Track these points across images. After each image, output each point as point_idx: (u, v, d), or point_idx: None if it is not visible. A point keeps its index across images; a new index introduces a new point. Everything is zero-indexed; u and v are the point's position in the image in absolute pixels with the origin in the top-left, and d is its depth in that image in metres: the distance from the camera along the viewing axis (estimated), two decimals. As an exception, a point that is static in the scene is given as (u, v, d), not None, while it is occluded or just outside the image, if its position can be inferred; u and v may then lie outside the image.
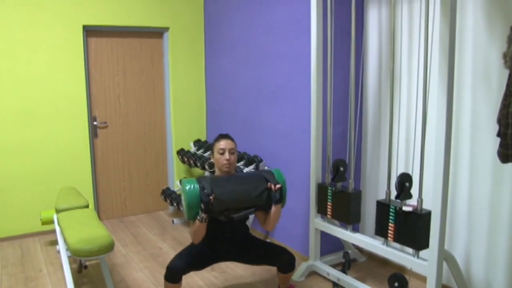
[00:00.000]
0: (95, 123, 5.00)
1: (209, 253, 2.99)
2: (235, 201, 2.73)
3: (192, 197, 2.66)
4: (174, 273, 2.80)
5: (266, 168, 4.18)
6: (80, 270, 3.72)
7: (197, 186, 2.68)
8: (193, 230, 2.74)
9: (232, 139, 2.95)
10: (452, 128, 2.56)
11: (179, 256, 2.88)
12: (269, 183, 2.79)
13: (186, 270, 2.85)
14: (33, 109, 4.53)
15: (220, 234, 2.95)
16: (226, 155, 2.86)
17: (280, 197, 2.79)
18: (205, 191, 2.65)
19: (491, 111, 2.86)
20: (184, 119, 5.40)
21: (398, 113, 3.52)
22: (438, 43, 3.06)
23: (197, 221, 2.70)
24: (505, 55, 2.45)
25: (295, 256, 3.06)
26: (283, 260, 2.97)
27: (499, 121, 2.40)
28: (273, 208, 2.82)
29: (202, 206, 2.64)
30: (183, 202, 2.75)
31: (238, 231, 3.04)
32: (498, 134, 2.41)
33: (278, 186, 2.77)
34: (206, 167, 4.47)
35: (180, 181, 2.63)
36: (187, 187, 2.67)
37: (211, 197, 2.64)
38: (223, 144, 2.89)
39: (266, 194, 2.79)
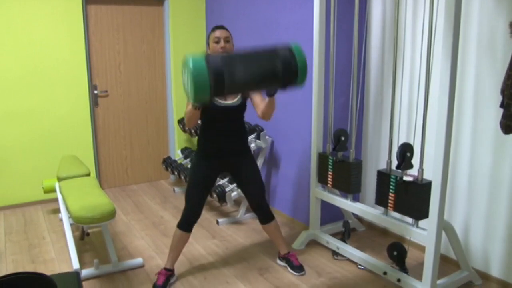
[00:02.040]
0: (95, 91, 4.97)
1: (211, 169, 3.00)
2: (249, 84, 2.27)
3: (199, 75, 2.10)
4: (192, 218, 2.99)
5: (267, 137, 4.17)
6: (82, 237, 3.76)
7: (204, 63, 2.13)
8: (188, 116, 2.72)
9: (226, 29, 2.90)
10: (455, 99, 2.54)
11: (188, 200, 2.98)
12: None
13: (200, 209, 3.00)
14: (32, 77, 4.50)
15: (217, 133, 2.94)
16: (222, 43, 2.83)
17: (288, 79, 2.34)
18: (218, 69, 2.13)
19: (495, 81, 2.83)
20: (185, 88, 5.36)
21: (401, 83, 3.49)
22: (443, 11, 3.01)
23: (191, 107, 2.66)
24: (511, 25, 2.41)
25: (274, 214, 3.25)
26: (259, 215, 3.18)
27: (503, 91, 2.38)
28: (268, 100, 2.74)
29: (212, 90, 2.14)
30: (188, 82, 2.19)
31: (235, 129, 2.99)
32: (502, 105, 2.39)
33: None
34: None
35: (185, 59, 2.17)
36: (192, 64, 2.11)
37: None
38: (218, 33, 2.85)
39: (281, 73, 2.28)
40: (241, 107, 2.94)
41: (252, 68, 2.24)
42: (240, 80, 2.20)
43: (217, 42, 2.84)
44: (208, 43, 2.92)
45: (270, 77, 2.29)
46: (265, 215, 3.18)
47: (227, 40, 2.85)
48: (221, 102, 2.85)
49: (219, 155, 2.99)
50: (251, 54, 2.30)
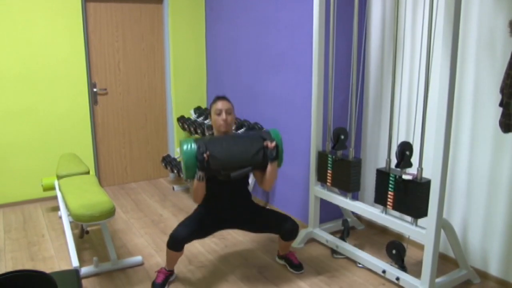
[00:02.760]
0: (94, 89, 4.97)
1: (211, 221, 3.02)
2: (230, 159, 2.76)
3: (188, 156, 2.69)
4: (177, 241, 2.83)
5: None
6: (81, 235, 3.77)
7: (194, 145, 2.71)
8: (193, 189, 2.79)
9: (228, 100, 2.97)
10: (454, 97, 2.54)
11: (182, 225, 2.90)
12: (265, 142, 2.81)
13: (189, 239, 2.88)
14: (32, 76, 4.50)
15: (221, 199, 2.99)
16: (223, 116, 2.90)
17: (276, 155, 2.81)
18: (201, 149, 2.68)
19: (495, 80, 2.84)
20: (185, 86, 5.36)
21: (400, 81, 3.49)
22: (443, 9, 3.01)
23: (195, 180, 2.75)
24: (511, 24, 2.41)
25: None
26: (286, 228, 2.99)
27: (502, 90, 2.38)
28: (269, 167, 2.83)
29: (198, 164, 2.69)
30: (181, 162, 2.78)
31: (240, 195, 3.07)
32: (501, 104, 2.40)
33: (273, 144, 2.79)
34: (206, 130, 4.49)
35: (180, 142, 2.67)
36: (184, 147, 2.71)
37: (205, 155, 2.67)
38: (220, 105, 2.92)
39: (263, 153, 2.81)
40: (244, 177, 3.02)
41: (234, 153, 2.76)
42: (222, 160, 2.73)
43: (219, 114, 2.91)
44: (210, 114, 2.99)
45: (250, 158, 2.79)
46: (291, 230, 3.03)
47: (228, 112, 2.92)
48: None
49: (222, 216, 3.05)
50: (234, 136, 2.85)
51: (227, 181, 2.86)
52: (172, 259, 2.98)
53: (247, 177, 3.09)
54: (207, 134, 4.48)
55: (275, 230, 3.03)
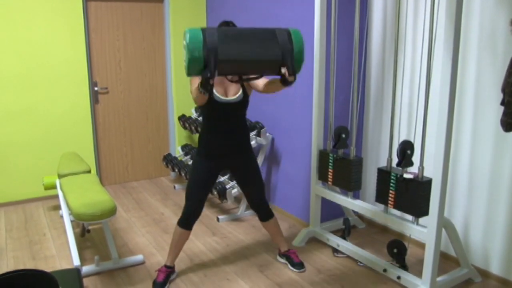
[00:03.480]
0: (96, 88, 4.97)
1: (211, 168, 2.97)
2: (240, 71, 2.37)
3: (193, 65, 2.22)
4: (190, 215, 2.97)
5: (268, 135, 4.17)
6: (83, 234, 3.77)
7: (201, 50, 2.20)
8: (194, 95, 2.63)
9: (234, 26, 2.79)
10: (455, 96, 2.54)
11: (189, 198, 2.97)
12: (283, 70, 2.33)
13: (200, 207, 2.99)
14: (33, 74, 4.50)
15: (219, 130, 2.90)
16: None
17: (291, 84, 2.41)
18: (206, 71, 2.22)
19: (496, 79, 2.83)
20: (186, 85, 5.36)
21: (402, 80, 3.48)
22: (444, 8, 3.01)
23: (196, 86, 2.51)
24: (512, 22, 2.40)
25: (273, 212, 3.27)
26: (258, 213, 3.20)
27: (504, 89, 2.38)
28: (278, 85, 2.61)
29: (202, 85, 2.30)
30: (184, 55, 2.27)
31: (236, 124, 2.94)
32: (502, 103, 2.39)
33: (291, 78, 2.35)
34: None
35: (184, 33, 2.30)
36: (190, 50, 2.19)
37: (210, 81, 2.25)
38: None
39: (277, 70, 2.36)
40: (243, 103, 2.89)
41: (248, 46, 2.27)
42: (234, 56, 2.23)
43: None
44: None
45: (266, 58, 2.30)
46: (265, 213, 3.18)
47: None
48: (222, 97, 2.82)
49: (220, 153, 2.96)
50: (249, 33, 2.31)
51: (223, 107, 2.81)
52: (178, 243, 3.04)
53: (246, 105, 2.92)
54: None
55: (252, 205, 3.18)
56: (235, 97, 2.85)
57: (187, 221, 3.00)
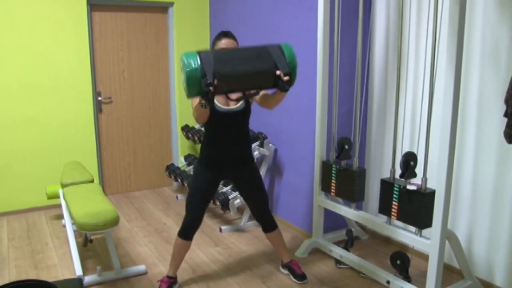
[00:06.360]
0: (99, 98, 4.99)
1: (212, 177, 2.96)
2: (238, 87, 2.47)
3: (192, 82, 2.33)
4: (190, 226, 2.97)
5: (270, 145, 4.17)
6: (85, 244, 3.76)
7: (198, 67, 2.31)
8: (195, 112, 2.61)
9: (234, 38, 2.77)
10: (458, 108, 2.54)
11: (189, 208, 2.96)
12: (278, 72, 2.42)
13: (202, 219, 2.99)
14: (37, 84, 4.53)
15: (220, 140, 2.88)
16: None
17: (288, 87, 2.46)
18: (206, 79, 2.30)
19: (499, 91, 2.83)
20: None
21: (405, 92, 3.49)
22: (447, 21, 3.02)
23: (198, 105, 2.51)
24: (515, 34, 2.41)
25: (276, 223, 3.24)
26: (261, 224, 3.19)
27: (507, 101, 2.38)
28: (278, 94, 2.66)
29: (203, 97, 2.37)
30: (183, 77, 2.39)
31: (239, 134, 2.92)
32: (505, 115, 2.39)
33: (286, 78, 2.42)
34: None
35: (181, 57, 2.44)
36: (187, 69, 2.31)
37: (211, 88, 2.30)
38: (224, 43, 2.73)
39: (274, 81, 2.47)
40: (245, 112, 2.88)
41: (243, 65, 2.39)
42: (231, 74, 2.36)
43: None
44: (212, 48, 2.83)
45: (261, 74, 2.43)
46: (268, 224, 3.18)
47: None
48: (223, 107, 2.81)
49: (222, 163, 2.95)
50: (242, 50, 2.47)
51: (225, 117, 2.81)
52: (179, 253, 3.03)
53: (248, 114, 2.93)
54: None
55: (255, 216, 3.18)
56: (236, 106, 2.84)
57: (187, 232, 2.99)
